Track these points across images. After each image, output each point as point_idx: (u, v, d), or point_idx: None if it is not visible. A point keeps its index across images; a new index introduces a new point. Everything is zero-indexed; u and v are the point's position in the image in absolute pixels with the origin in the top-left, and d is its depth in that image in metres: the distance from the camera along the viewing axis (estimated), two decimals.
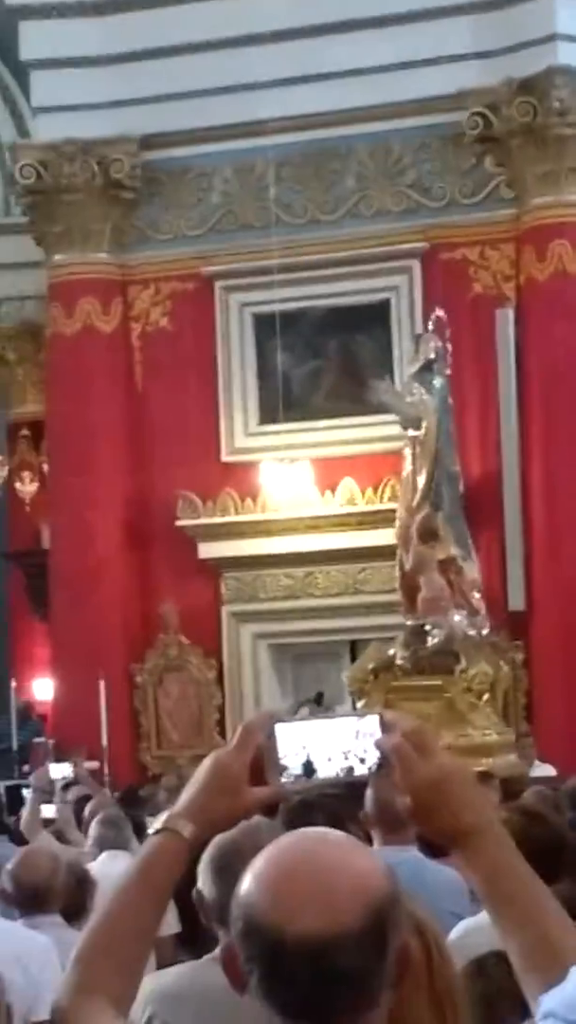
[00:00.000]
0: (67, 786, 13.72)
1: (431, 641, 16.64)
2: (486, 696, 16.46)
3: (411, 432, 17.62)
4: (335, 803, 5.08)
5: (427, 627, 16.82)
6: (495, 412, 19.11)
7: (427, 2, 19.32)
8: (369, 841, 4.64)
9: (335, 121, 19.34)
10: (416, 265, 19.14)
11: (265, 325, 19.58)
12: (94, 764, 17.01)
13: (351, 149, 19.55)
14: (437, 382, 17.54)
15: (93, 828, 9.20)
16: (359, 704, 16.52)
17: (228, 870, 3.21)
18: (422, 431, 17.53)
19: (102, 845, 8.69)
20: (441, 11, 19.32)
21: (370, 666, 17.18)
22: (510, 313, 18.80)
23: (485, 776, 10.22)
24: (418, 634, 16.81)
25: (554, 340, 18.83)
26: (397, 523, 17.82)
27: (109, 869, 7.39)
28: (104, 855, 8.84)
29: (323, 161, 19.76)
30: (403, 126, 19.30)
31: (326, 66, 19.20)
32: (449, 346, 18.08)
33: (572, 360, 18.73)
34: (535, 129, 18.44)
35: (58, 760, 16.69)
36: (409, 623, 17.07)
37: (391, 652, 17.09)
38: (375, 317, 19.56)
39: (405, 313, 19.25)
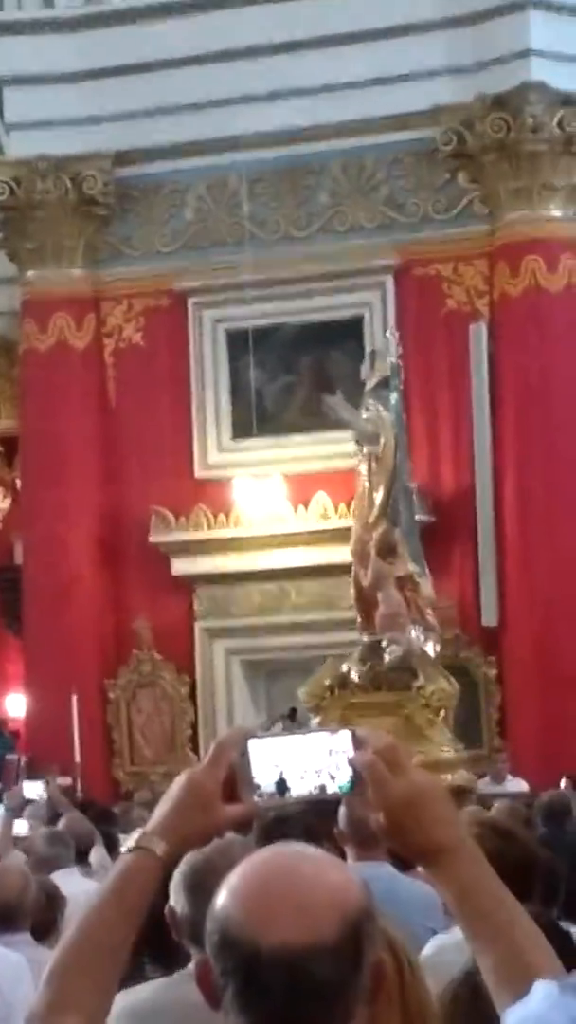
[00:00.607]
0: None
1: (388, 657, 16.65)
2: (442, 713, 16.32)
3: (367, 448, 17.57)
4: (309, 819, 5.15)
5: (384, 643, 16.79)
6: (468, 427, 19.08)
7: (400, 18, 19.33)
8: (343, 857, 4.56)
9: (308, 137, 19.36)
10: (389, 281, 19.22)
11: (238, 341, 19.63)
12: (67, 780, 16.93)
13: (324, 165, 19.60)
14: (393, 398, 17.51)
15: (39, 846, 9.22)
16: (315, 720, 16.61)
17: (201, 887, 3.14)
18: (379, 447, 17.49)
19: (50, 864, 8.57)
20: (414, 27, 19.34)
21: (327, 682, 17.06)
22: (483, 328, 18.78)
23: (462, 791, 10.35)
24: (375, 650, 16.82)
25: (527, 356, 18.84)
26: (352, 539, 17.61)
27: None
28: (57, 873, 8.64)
29: (296, 177, 19.76)
30: (376, 142, 19.35)
31: (299, 82, 19.20)
32: (399, 363, 17.99)
33: (545, 376, 18.80)
34: (508, 145, 18.48)
35: (31, 777, 16.32)
36: (366, 639, 17.13)
37: (346, 668, 17.22)
38: (348, 333, 19.48)
39: (379, 329, 18.96)
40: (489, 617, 18.69)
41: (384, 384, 17.45)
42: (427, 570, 17.48)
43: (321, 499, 18.70)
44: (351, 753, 2.13)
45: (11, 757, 18.52)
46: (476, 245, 19.16)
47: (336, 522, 18.41)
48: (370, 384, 17.68)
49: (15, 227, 20.40)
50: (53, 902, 7.00)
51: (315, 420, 18.80)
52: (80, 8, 20.84)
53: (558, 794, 12.47)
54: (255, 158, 19.62)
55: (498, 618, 18.66)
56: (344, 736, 2.16)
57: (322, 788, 2.17)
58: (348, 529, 18.07)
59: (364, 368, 17.87)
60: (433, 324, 19.05)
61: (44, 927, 6.57)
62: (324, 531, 18.57)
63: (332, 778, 2.16)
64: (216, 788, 2.19)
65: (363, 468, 17.42)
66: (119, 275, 20.18)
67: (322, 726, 13.05)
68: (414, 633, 17.03)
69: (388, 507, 17.43)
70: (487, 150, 18.56)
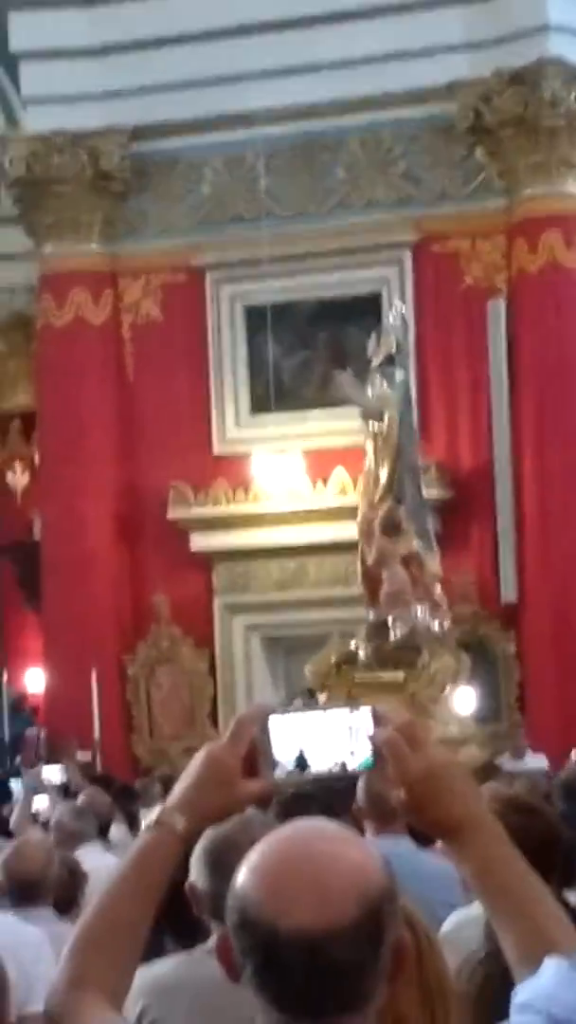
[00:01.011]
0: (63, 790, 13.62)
1: (394, 636, 16.78)
2: (447, 689, 16.53)
3: (374, 425, 17.72)
4: (329, 796, 5.13)
5: (390, 621, 16.91)
6: (486, 404, 19.05)
7: None
8: (362, 832, 4.55)
9: (326, 112, 19.30)
10: (407, 256, 19.19)
11: (256, 316, 19.60)
12: (86, 756, 17.37)
13: (342, 140, 19.54)
14: (399, 375, 17.58)
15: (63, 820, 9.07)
16: (321, 698, 16.46)
17: (222, 863, 3.18)
18: (384, 425, 17.59)
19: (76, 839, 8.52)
20: (432, 2, 19.25)
21: (332, 659, 17.16)
22: (502, 305, 18.79)
23: (491, 768, 10.37)
24: (381, 628, 16.91)
25: (546, 332, 18.90)
26: (359, 516, 17.75)
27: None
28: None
29: (313, 152, 19.73)
30: (394, 117, 19.26)
31: (317, 57, 19.08)
32: (401, 339, 18.18)
33: (564, 352, 18.83)
34: (526, 120, 18.37)
35: (50, 752, 17.98)
36: (372, 617, 17.22)
37: (352, 646, 17.22)
38: (366, 309, 19.33)
39: (396, 305, 18.74)
40: (508, 593, 18.70)
41: (390, 361, 17.52)
42: (435, 547, 17.65)
43: (340, 475, 18.69)
44: (371, 730, 2.14)
45: (31, 732, 19.74)
46: (494, 221, 19.14)
47: (355, 498, 18.18)
48: (376, 361, 17.76)
49: (32, 202, 20.54)
50: (75, 877, 6.91)
51: (333, 396, 18.69)
52: None
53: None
54: (272, 133, 19.53)
55: (517, 595, 18.65)
56: (365, 713, 2.18)
57: (343, 765, 2.20)
58: None
59: (371, 345, 17.93)
60: (451, 300, 19.10)
61: (66, 902, 6.50)
62: (343, 507, 18.42)
63: (352, 754, 2.19)
64: (236, 764, 2.21)
65: (369, 445, 17.73)
66: (136, 251, 20.20)
67: (343, 703, 13.82)
68: (420, 611, 17.11)
69: (393, 484, 17.51)
70: (505, 125, 18.46)
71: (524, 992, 1.84)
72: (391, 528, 16.94)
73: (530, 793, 6.08)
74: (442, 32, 18.96)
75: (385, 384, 17.32)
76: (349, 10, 19.26)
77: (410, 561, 16.99)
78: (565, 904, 2.78)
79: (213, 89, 19.63)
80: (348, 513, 18.01)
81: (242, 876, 1.88)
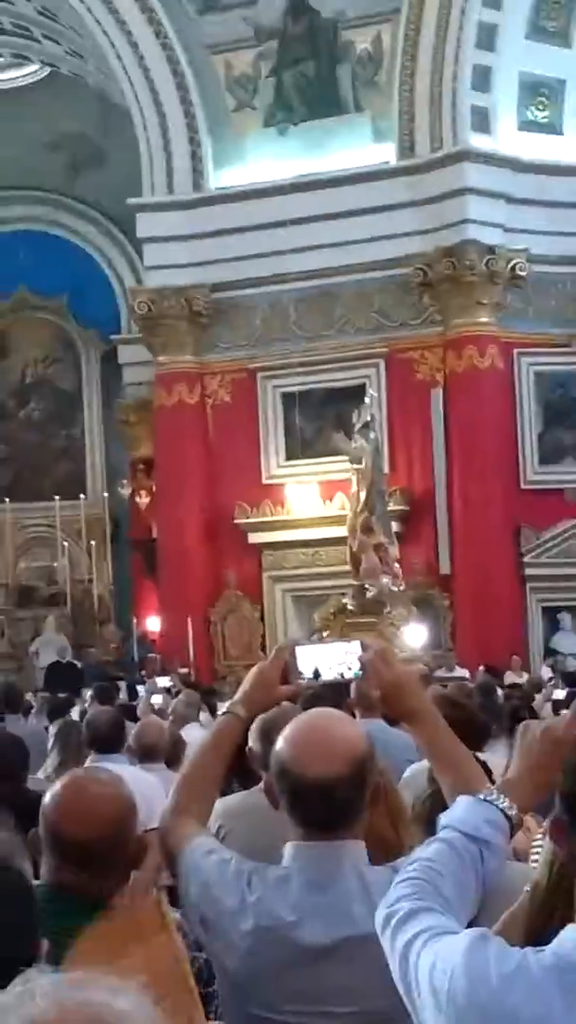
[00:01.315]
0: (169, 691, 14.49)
1: (369, 594, 18.28)
2: (402, 629, 17.86)
3: (355, 466, 19.14)
4: (333, 694, 5.02)
5: (366, 586, 18.40)
6: (431, 454, 20.62)
7: (387, 200, 20.30)
8: (354, 716, 4.73)
9: (331, 274, 20.71)
10: (381, 362, 20.68)
11: (289, 400, 21.25)
12: (185, 670, 18.64)
13: (341, 291, 20.91)
14: (372, 435, 19.10)
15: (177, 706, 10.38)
16: (326, 636, 17.44)
17: (268, 736, 3.47)
18: (363, 465, 18.88)
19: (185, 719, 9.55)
20: (396, 206, 20.40)
21: (331, 611, 18.88)
22: (440, 392, 20.31)
23: (431, 677, 10.90)
24: (361, 590, 18.41)
25: (467, 409, 20.25)
26: (348, 522, 19.21)
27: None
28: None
29: (324, 299, 21.07)
30: (372, 276, 20.66)
31: (326, 240, 20.47)
32: (376, 413, 19.75)
33: (476, 422, 20.24)
34: (454, 278, 19.81)
35: (162, 668, 18.75)
36: (355, 583, 18.69)
37: (344, 601, 18.80)
38: (355, 394, 20.07)
39: (374, 393, 20.16)
40: (444, 568, 20.32)
41: (366, 426, 19.06)
42: (395, 541, 19.26)
43: (339, 497, 20.01)
44: (359, 653, 2.78)
45: (152, 656, 20.65)
46: (435, 340, 20.57)
47: (347, 511, 19.50)
48: (358, 426, 19.32)
49: (150, 330, 22.00)
50: (178, 744, 7.48)
51: (335, 448, 20.53)
52: (189, 195, 21.67)
53: (486, 678, 13.80)
54: (299, 287, 21.01)
55: (450, 569, 20.24)
56: (355, 644, 2.89)
57: (341, 675, 2.90)
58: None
59: (355, 416, 19.37)
60: (408, 390, 20.63)
61: (173, 760, 7.03)
62: (341, 516, 19.67)
63: (349, 669, 2.84)
64: (276, 675, 2.84)
65: (354, 478, 19.07)
66: (215, 359, 21.67)
67: (338, 638, 14.23)
68: (385, 580, 18.48)
69: (369, 502, 18.82)
70: (441, 282, 19.99)
71: (446, 817, 2.29)
72: (367, 529, 18.57)
73: (458, 693, 6.92)
74: (402, 225, 20.20)
75: (364, 441, 18.80)
76: (347, 211, 20.26)
77: (379, 549, 18.51)
78: (480, 761, 3.09)
79: (263, 259, 20.87)
80: (344, 520, 19.43)
81: (280, 743, 2.55)
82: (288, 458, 21.17)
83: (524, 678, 15.79)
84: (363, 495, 18.74)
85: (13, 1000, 1.21)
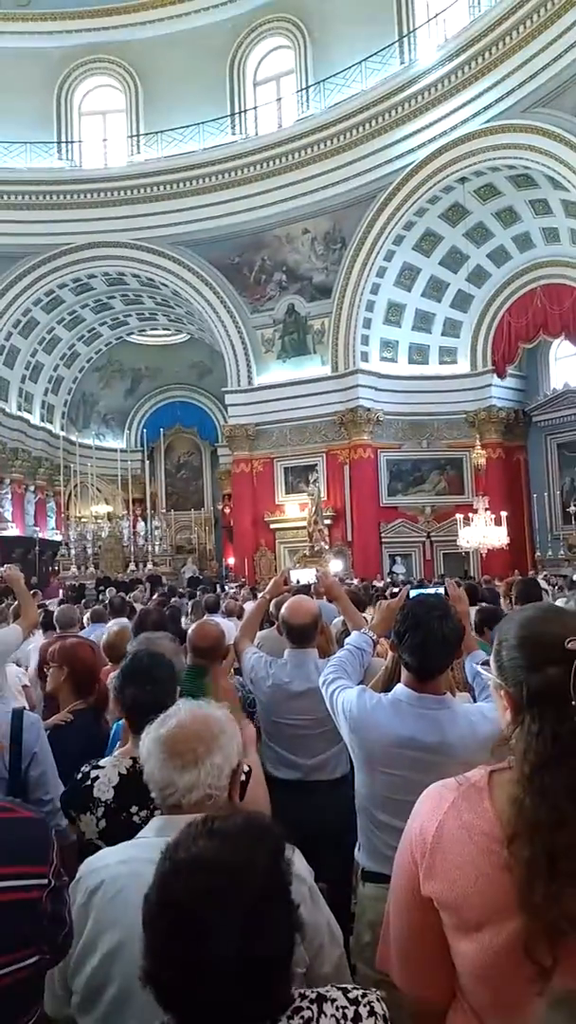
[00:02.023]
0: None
1: (315, 549, 19.00)
2: (330, 563, 17.46)
3: (311, 497, 19.61)
4: (304, 590, 4.30)
5: (313, 546, 19.22)
6: (342, 493, 20.86)
7: (325, 388, 20.52)
8: (312, 598, 3.89)
9: (303, 418, 21.06)
10: (324, 455, 20.92)
11: (287, 470, 21.55)
12: (244, 579, 18.83)
13: (307, 425, 21.12)
14: (316, 486, 19.99)
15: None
16: (298, 565, 14.35)
17: (279, 605, 3.79)
18: (313, 497, 19.64)
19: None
20: (330, 391, 20.57)
21: (300, 556, 18.95)
22: (348, 467, 20.51)
23: (339, 582, 8.67)
24: (311, 548, 19.09)
25: (358, 474, 20.48)
26: (307, 519, 19.52)
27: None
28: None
29: (300, 429, 21.30)
30: (321, 420, 20.82)
31: (301, 405, 20.92)
32: (319, 476, 20.26)
33: (362, 479, 20.43)
34: (354, 420, 20.22)
35: (235, 579, 19.41)
36: (310, 544, 19.35)
37: (304, 552, 18.97)
38: (313, 468, 21.08)
39: (320, 467, 21.18)
40: (348, 538, 20.37)
41: (314, 482, 20.21)
42: (325, 528, 19.84)
43: (306, 511, 20.01)
44: (316, 573, 3.33)
45: (231, 574, 21.75)
46: (345, 446, 20.67)
47: (307, 515, 19.84)
48: (312, 481, 20.27)
49: (230, 441, 22.37)
50: (242, 609, 6.83)
51: (305, 490, 20.47)
52: (245, 387, 21.71)
53: (364, 583, 12.96)
54: (289, 424, 21.26)
55: (351, 538, 20.33)
56: (313, 571, 3.30)
57: (308, 582, 3.42)
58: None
59: (311, 477, 20.45)
60: (335, 466, 20.81)
61: (239, 615, 6.43)
62: (304, 517, 19.97)
63: (311, 579, 3.40)
64: (282, 582, 3.31)
65: (310, 502, 19.77)
66: (257, 454, 21.95)
67: (304, 567, 15.24)
68: (321, 544, 19.32)
69: (315, 513, 19.63)
70: (348, 421, 20.29)
71: (348, 640, 2.57)
72: (313, 523, 19.48)
73: (355, 589, 6.74)
74: (332, 397, 20.36)
75: (314, 486, 19.96)
76: (308, 393, 20.59)
77: (318, 531, 19.48)
78: (362, 616, 3.13)
79: (275, 412, 21.46)
80: (306, 519, 19.89)
81: (283, 609, 2.96)
82: (286, 493, 21.63)
83: (380, 583, 14.67)
84: (313, 509, 19.63)
85: (156, 723, 1.49)
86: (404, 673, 2.25)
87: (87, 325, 24.57)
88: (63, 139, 21.23)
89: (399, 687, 2.22)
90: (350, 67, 18.19)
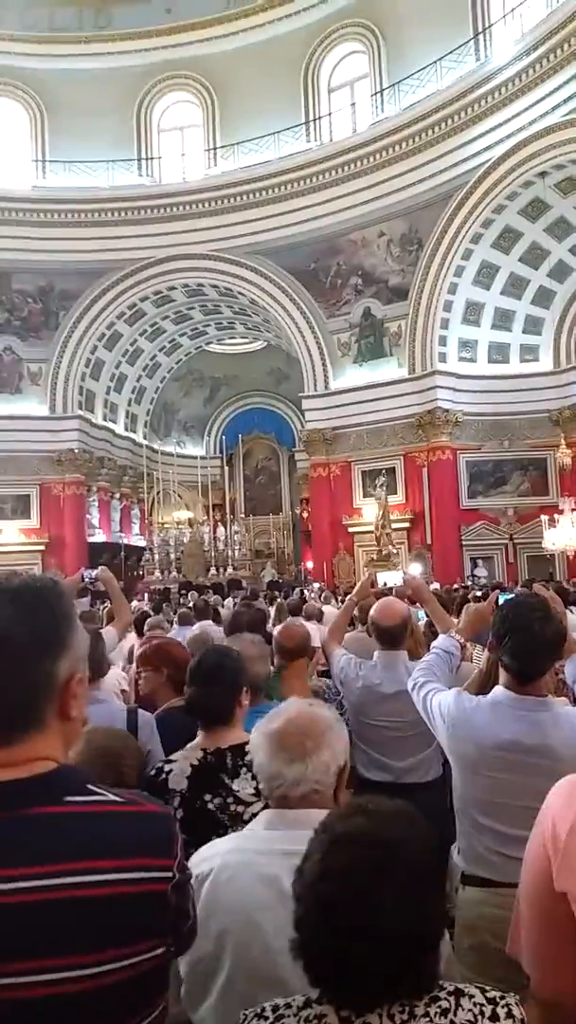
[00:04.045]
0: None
1: (383, 552, 19.00)
2: (410, 566, 17.17)
3: (379, 501, 19.67)
4: (390, 592, 4.88)
5: (381, 549, 19.25)
6: (421, 495, 20.50)
7: (402, 390, 20.26)
8: (403, 600, 3.92)
9: (380, 421, 20.84)
10: (402, 457, 20.67)
11: (364, 473, 21.37)
12: (323, 582, 18.64)
13: (384, 428, 20.83)
14: (384, 490, 19.93)
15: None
16: (365, 569, 16.74)
17: (366, 609, 3.76)
18: (382, 501, 19.79)
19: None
20: (407, 393, 20.32)
21: (371, 559, 19.10)
22: (426, 469, 20.44)
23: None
24: (379, 551, 19.17)
25: (438, 476, 20.26)
26: (377, 528, 19.46)
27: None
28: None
29: (377, 431, 21.10)
30: (398, 423, 20.60)
31: (382, 407, 20.70)
32: (399, 479, 20.36)
33: (441, 481, 20.07)
34: (432, 421, 19.90)
35: (314, 582, 18.77)
36: (378, 547, 19.45)
37: (372, 556, 19.18)
38: (389, 471, 20.87)
39: (400, 470, 20.94)
40: (429, 541, 19.94)
41: (383, 486, 20.08)
42: (392, 531, 19.63)
43: (384, 514, 19.72)
44: (403, 576, 3.81)
45: (309, 577, 21.38)
46: (424, 447, 20.18)
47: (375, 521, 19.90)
48: (380, 484, 20.25)
49: (307, 445, 22.23)
50: (322, 612, 7.21)
51: (377, 495, 20.17)
52: (322, 391, 21.71)
53: (446, 588, 12.17)
54: (367, 427, 21.10)
55: (431, 541, 19.95)
56: (400, 573, 5.18)
57: (393, 585, 4.30)
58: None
59: (380, 480, 20.24)
60: (413, 468, 20.35)
61: (319, 618, 6.84)
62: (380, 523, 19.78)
63: (397, 581, 4.23)
64: (368, 584, 3.48)
65: (377, 506, 19.86)
66: (334, 458, 21.62)
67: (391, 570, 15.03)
68: (389, 547, 19.17)
69: (384, 517, 19.48)
70: (426, 423, 20.13)
71: (435, 644, 2.55)
72: (381, 527, 19.40)
73: (439, 592, 6.36)
74: (409, 400, 20.14)
75: (382, 491, 19.99)
76: (388, 396, 20.30)
77: (387, 534, 19.38)
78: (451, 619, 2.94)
79: (353, 416, 21.20)
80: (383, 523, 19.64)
81: (372, 611, 2.96)
82: (363, 496, 21.31)
83: (457, 586, 14.01)
84: (381, 513, 19.67)
85: (265, 718, 1.51)
86: (503, 675, 2.24)
87: (168, 336, 25.07)
88: (143, 156, 21.80)
89: (498, 689, 2.22)
90: (424, 68, 18.28)
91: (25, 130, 21.45)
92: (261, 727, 1.62)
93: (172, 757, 2.28)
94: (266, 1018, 1.12)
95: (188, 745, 2.31)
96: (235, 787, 2.13)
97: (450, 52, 17.93)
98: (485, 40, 17.76)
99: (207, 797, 2.14)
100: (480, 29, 17.90)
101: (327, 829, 1.12)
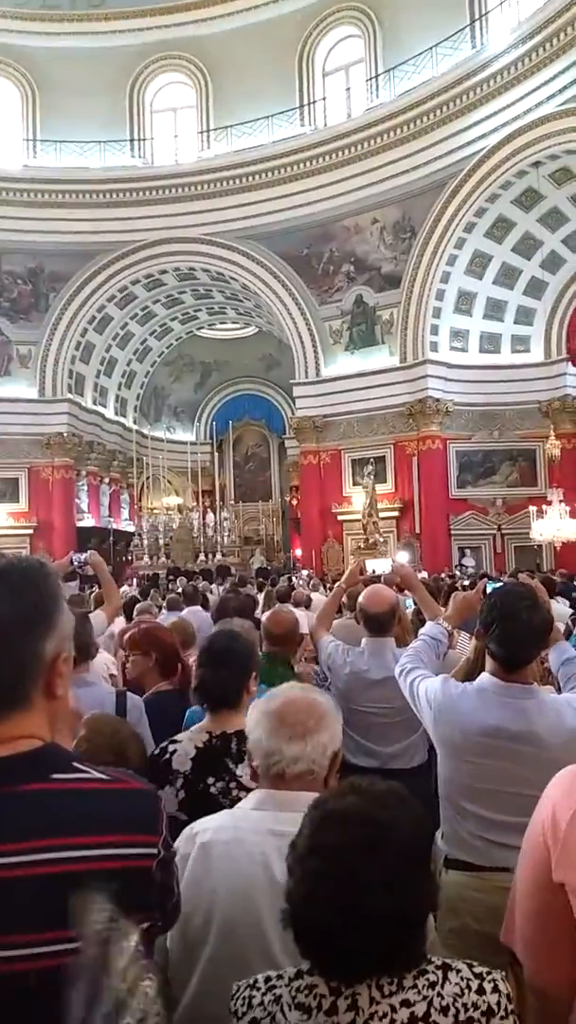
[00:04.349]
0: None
1: (369, 540, 19.00)
2: (397, 554, 17.37)
3: (366, 490, 19.65)
4: (377, 579, 4.72)
5: (368, 537, 19.05)
6: (410, 484, 20.50)
7: (393, 379, 20.11)
8: (390, 587, 3.77)
9: (369, 409, 20.77)
10: (392, 446, 20.46)
11: (353, 462, 21.18)
12: (312, 570, 18.74)
13: (374, 416, 20.68)
14: (372, 478, 19.87)
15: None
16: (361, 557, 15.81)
17: (354, 596, 3.77)
18: (369, 489, 19.74)
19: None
20: (398, 382, 20.17)
21: (358, 547, 19.31)
22: (415, 459, 20.24)
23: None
24: (366, 540, 19.19)
25: (427, 464, 20.22)
26: (365, 518, 19.28)
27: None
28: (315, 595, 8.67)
29: (367, 419, 20.94)
30: (388, 412, 20.45)
31: (372, 395, 20.51)
32: (388, 468, 20.36)
33: (431, 470, 20.01)
34: (422, 411, 19.78)
35: (300, 569, 19.25)
36: (365, 536, 19.29)
37: (360, 544, 19.12)
38: (378, 460, 20.76)
39: (389, 459, 20.89)
40: (417, 529, 20.04)
41: (371, 475, 20.06)
42: (378, 520, 19.44)
43: (374, 502, 19.78)
44: (392, 565, 3.85)
45: (298, 565, 21.36)
46: (413, 437, 20.15)
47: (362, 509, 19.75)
48: (367, 472, 20.25)
49: (297, 432, 22.00)
50: (310, 599, 7.19)
51: (364, 483, 20.20)
52: (313, 378, 21.61)
53: (434, 576, 11.89)
54: (356, 415, 20.93)
55: (420, 530, 19.95)
56: (389, 561, 5.70)
57: (382, 572, 4.28)
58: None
59: (368, 469, 20.36)
60: (402, 457, 20.32)
61: (307, 605, 6.91)
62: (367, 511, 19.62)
63: (385, 569, 4.24)
64: (357, 571, 3.43)
65: (364, 494, 19.68)
66: (324, 445, 21.51)
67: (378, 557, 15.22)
68: (375, 535, 19.17)
69: (371, 505, 19.45)
70: (417, 412, 19.90)
71: (422, 631, 2.50)
72: (368, 515, 19.25)
73: (428, 580, 6.75)
74: (399, 388, 19.96)
75: (370, 480, 19.77)
76: (377, 384, 20.18)
77: (373, 523, 19.22)
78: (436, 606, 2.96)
79: (342, 404, 21.17)
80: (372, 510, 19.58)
81: (360, 598, 3.07)
82: (353, 484, 21.19)
83: (447, 578, 12.31)
84: (368, 502, 19.60)
85: (264, 698, 1.51)
86: (489, 663, 2.25)
87: (159, 320, 24.85)
88: (135, 137, 21.50)
89: (484, 676, 2.23)
90: (420, 54, 18.15)
91: (17, 109, 21.18)
92: (260, 705, 1.64)
93: (177, 738, 2.28)
94: (259, 988, 1.15)
95: (193, 727, 2.32)
96: (238, 772, 2.13)
97: (446, 39, 17.85)
98: (481, 27, 17.68)
99: (210, 780, 2.14)
100: (477, 16, 17.80)
101: (320, 806, 1.14)
